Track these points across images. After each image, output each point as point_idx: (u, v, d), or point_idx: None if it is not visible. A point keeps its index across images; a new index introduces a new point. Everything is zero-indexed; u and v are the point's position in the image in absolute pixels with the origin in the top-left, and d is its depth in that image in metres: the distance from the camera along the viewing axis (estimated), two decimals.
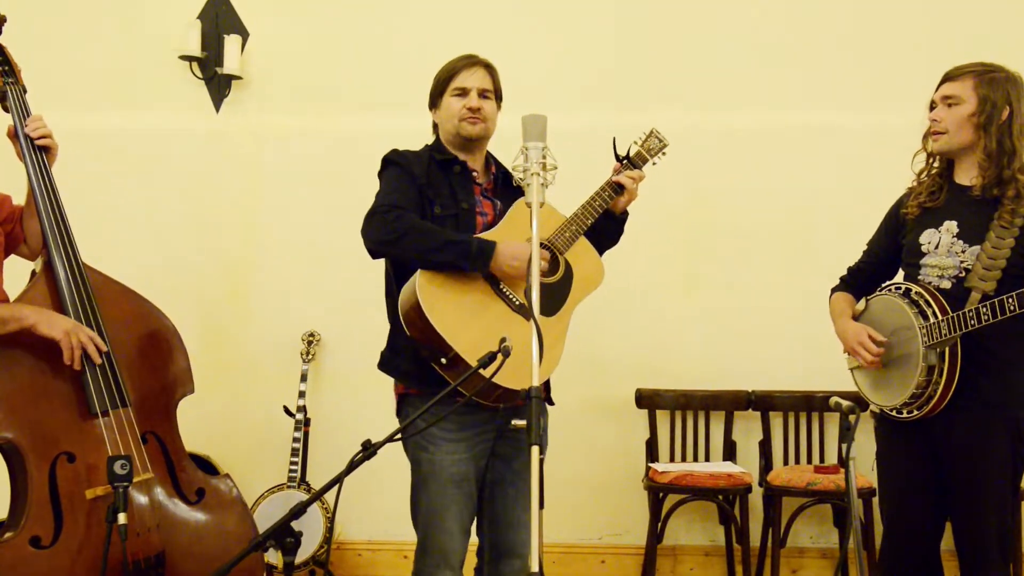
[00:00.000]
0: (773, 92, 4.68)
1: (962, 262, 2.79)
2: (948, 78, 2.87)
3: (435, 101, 3.04)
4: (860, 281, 3.17)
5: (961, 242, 2.81)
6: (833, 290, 3.23)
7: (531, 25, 4.75)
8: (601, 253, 3.12)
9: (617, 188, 3.04)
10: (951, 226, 2.84)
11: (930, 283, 2.84)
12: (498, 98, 3.05)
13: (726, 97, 4.67)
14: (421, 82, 4.53)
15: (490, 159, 3.09)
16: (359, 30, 4.80)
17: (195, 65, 4.74)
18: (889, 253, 3.08)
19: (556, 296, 2.90)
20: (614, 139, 3.12)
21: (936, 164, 2.95)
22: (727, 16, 4.72)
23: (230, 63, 4.69)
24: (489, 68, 3.02)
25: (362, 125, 4.72)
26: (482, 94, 2.97)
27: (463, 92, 2.96)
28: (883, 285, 3.04)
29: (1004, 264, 2.73)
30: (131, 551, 2.74)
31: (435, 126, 3.08)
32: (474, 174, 3.01)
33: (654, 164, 3.16)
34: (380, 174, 3.00)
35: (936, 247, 2.85)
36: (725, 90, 4.68)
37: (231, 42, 4.69)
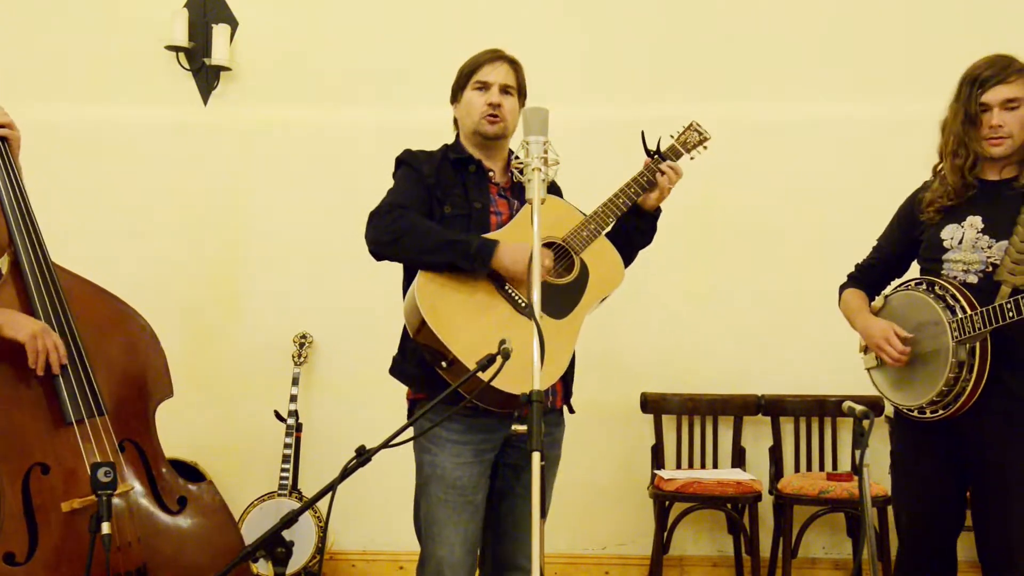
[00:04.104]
0: (782, 85, 4.62)
1: (989, 257, 2.75)
2: (1000, 80, 2.78)
3: (456, 95, 2.98)
4: (871, 278, 3.12)
5: (987, 237, 2.76)
6: (842, 288, 3.18)
7: (532, 16, 4.69)
8: (635, 254, 3.05)
9: (647, 184, 2.93)
10: (975, 221, 2.79)
11: (955, 278, 2.80)
12: (522, 96, 2.98)
13: (735, 89, 4.60)
14: (417, 74, 4.54)
15: (511, 156, 3.01)
16: (353, 20, 4.74)
17: (182, 56, 4.68)
18: (902, 249, 3.04)
19: (568, 298, 2.82)
20: (643, 132, 3.00)
21: (969, 164, 2.86)
22: (735, 6, 4.65)
23: (218, 54, 4.64)
24: (514, 64, 2.95)
25: (357, 119, 4.70)
26: (504, 90, 2.90)
27: (484, 86, 2.89)
28: (902, 281, 3.00)
29: None
30: (112, 565, 2.66)
31: (455, 122, 3.02)
32: (491, 173, 2.94)
33: (692, 159, 3.05)
34: (393, 175, 2.96)
35: (959, 242, 2.81)
36: (732, 84, 4.61)
37: (219, 32, 4.64)
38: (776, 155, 4.60)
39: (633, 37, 4.65)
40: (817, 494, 4.06)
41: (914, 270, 3.03)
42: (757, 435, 4.53)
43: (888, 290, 3.04)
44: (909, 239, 2.98)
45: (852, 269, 3.18)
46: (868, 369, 3.05)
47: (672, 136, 3.02)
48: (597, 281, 2.86)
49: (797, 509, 4.14)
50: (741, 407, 4.48)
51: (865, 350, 3.05)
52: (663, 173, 2.91)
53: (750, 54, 4.61)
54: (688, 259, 4.60)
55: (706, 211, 4.59)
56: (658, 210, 2.99)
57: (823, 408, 4.43)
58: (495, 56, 2.92)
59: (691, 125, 3.04)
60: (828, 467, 4.44)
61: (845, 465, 4.43)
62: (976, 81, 2.79)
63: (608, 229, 2.91)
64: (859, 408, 2.57)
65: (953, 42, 4.24)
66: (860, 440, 2.52)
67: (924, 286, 2.85)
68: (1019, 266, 2.68)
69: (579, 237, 2.85)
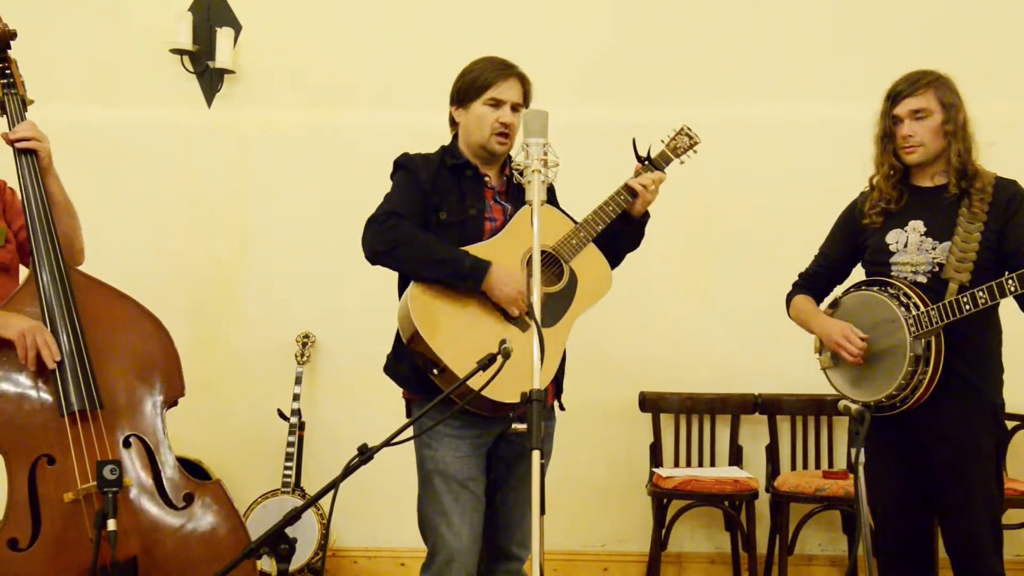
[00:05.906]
0: (781, 84, 4.62)
1: (934, 258, 2.91)
2: (909, 94, 2.97)
3: (462, 102, 2.96)
4: (817, 285, 3.27)
5: (930, 240, 2.93)
6: (790, 296, 3.29)
7: (531, 18, 4.70)
8: (622, 257, 3.10)
9: (633, 191, 2.97)
10: (917, 225, 2.96)
11: (905, 278, 2.95)
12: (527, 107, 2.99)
13: (733, 91, 4.61)
14: (419, 77, 4.55)
15: (507, 160, 3.03)
16: (355, 22, 4.74)
17: (186, 59, 4.68)
18: (845, 256, 3.20)
19: (557, 306, 2.87)
20: (634, 139, 3.05)
21: (894, 173, 3.03)
22: (735, 7, 4.66)
23: (222, 57, 4.64)
24: (523, 80, 2.97)
25: (359, 121, 4.69)
26: (514, 107, 2.92)
27: (497, 104, 2.90)
28: (853, 284, 3.13)
29: (975, 256, 2.85)
30: (100, 555, 2.65)
31: (451, 122, 3.02)
32: (486, 178, 2.97)
33: (682, 163, 3.10)
34: (391, 177, 2.99)
35: (905, 246, 2.97)
36: (731, 84, 4.62)
37: (223, 35, 4.64)
38: (776, 155, 4.59)
39: (632, 39, 4.65)
40: (813, 492, 4.07)
41: (857, 275, 3.16)
42: (754, 433, 4.54)
43: (839, 292, 3.17)
44: (852, 246, 3.15)
45: (796, 278, 3.30)
46: (824, 369, 3.15)
47: (663, 141, 3.07)
48: (586, 289, 2.92)
49: (793, 506, 4.16)
50: (738, 406, 4.49)
51: (820, 352, 3.16)
52: (645, 184, 2.94)
53: (749, 55, 4.61)
54: (686, 259, 4.60)
55: (705, 211, 4.59)
56: (646, 215, 3.02)
57: (819, 407, 4.43)
58: (510, 73, 2.92)
59: (681, 129, 3.09)
60: (824, 465, 4.44)
61: (841, 463, 4.44)
62: (890, 96, 2.99)
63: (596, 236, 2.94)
64: (855, 407, 2.60)
65: (953, 43, 4.27)
66: (855, 438, 2.55)
67: (877, 286, 2.99)
68: (963, 264, 2.86)
69: (569, 245, 2.90)
